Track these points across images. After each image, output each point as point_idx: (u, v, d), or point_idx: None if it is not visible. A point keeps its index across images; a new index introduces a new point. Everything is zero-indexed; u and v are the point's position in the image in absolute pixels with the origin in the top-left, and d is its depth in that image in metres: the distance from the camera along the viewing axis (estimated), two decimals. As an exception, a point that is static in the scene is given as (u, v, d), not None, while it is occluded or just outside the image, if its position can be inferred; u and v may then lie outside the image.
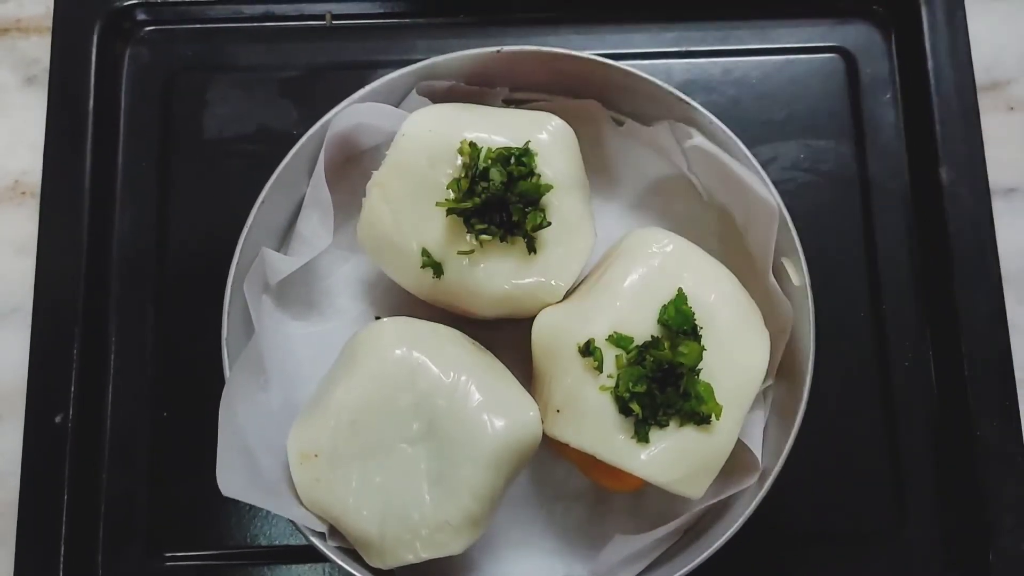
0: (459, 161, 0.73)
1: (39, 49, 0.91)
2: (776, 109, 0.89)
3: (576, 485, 0.78)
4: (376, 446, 0.68)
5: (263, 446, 0.71)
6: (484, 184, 0.71)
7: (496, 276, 0.73)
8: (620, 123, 0.84)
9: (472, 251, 0.72)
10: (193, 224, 0.86)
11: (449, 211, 0.72)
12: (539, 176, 0.72)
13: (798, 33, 0.91)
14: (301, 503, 0.69)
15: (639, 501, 0.77)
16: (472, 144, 0.72)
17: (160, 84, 0.90)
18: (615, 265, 0.72)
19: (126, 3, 0.90)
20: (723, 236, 0.81)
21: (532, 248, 0.72)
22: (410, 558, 0.68)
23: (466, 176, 0.72)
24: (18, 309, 0.85)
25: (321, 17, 0.91)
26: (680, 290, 0.70)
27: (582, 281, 0.76)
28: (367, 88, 0.78)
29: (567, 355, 0.70)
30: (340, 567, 0.70)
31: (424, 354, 0.69)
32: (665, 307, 0.70)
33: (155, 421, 0.82)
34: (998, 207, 0.86)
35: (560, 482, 0.78)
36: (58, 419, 0.81)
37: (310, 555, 0.79)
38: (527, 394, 0.71)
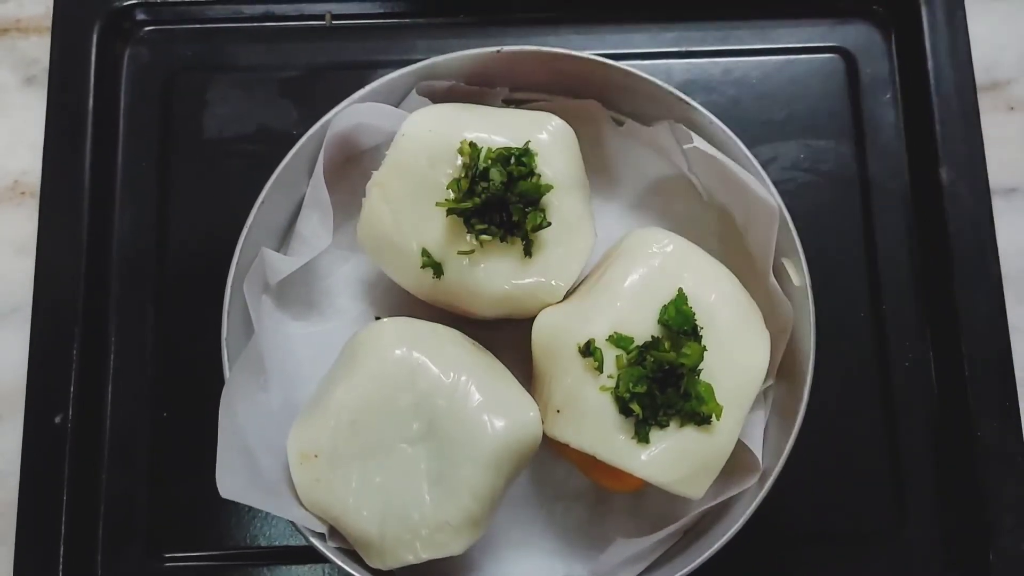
0: (459, 161, 0.73)
1: (39, 49, 0.91)
2: (776, 109, 0.89)
3: (576, 485, 0.78)
4: (376, 446, 0.68)
5: (263, 446, 0.71)
6: (484, 184, 0.71)
7: (496, 276, 0.72)
8: (620, 123, 0.84)
9: (472, 251, 0.72)
10: (193, 224, 0.86)
11: (449, 211, 0.72)
12: (539, 176, 0.72)
13: (798, 33, 0.91)
14: (301, 503, 0.69)
15: (639, 501, 0.77)
16: (472, 144, 0.72)
17: (160, 84, 0.90)
18: (615, 265, 0.72)
19: (126, 3, 0.90)
20: (723, 236, 0.81)
21: (530, 249, 0.72)
22: (410, 558, 0.67)
23: (466, 176, 0.72)
24: (18, 309, 0.85)
25: (321, 17, 0.91)
26: (680, 290, 0.70)
27: (582, 281, 0.76)
28: (367, 88, 0.78)
29: (567, 355, 0.70)
30: (340, 568, 0.70)
31: (424, 354, 0.69)
32: (665, 307, 0.70)
33: (155, 421, 0.82)
34: (998, 207, 0.86)
35: (560, 482, 0.78)
36: (58, 419, 0.81)
37: (310, 556, 0.79)
38: (527, 394, 0.71)
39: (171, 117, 0.89)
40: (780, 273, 0.76)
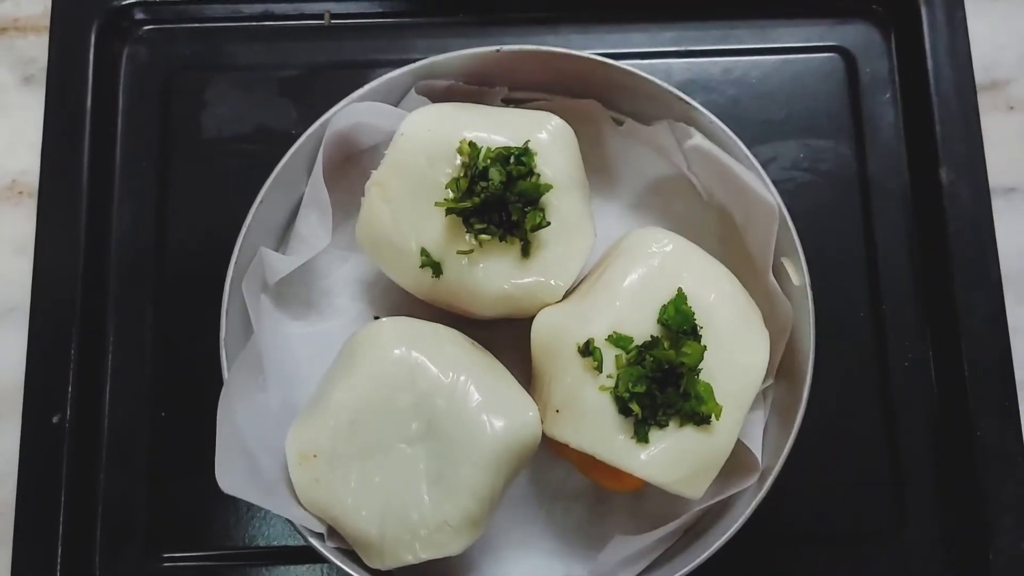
0: (458, 160, 0.72)
1: (37, 48, 0.91)
2: (776, 109, 0.89)
3: (575, 485, 0.78)
4: (375, 446, 0.68)
5: (262, 446, 0.71)
6: (483, 184, 0.71)
7: (495, 276, 0.72)
8: (620, 123, 0.84)
9: (471, 251, 0.72)
10: (192, 224, 0.86)
11: (448, 211, 0.71)
12: (538, 176, 0.72)
13: (798, 33, 0.91)
14: (300, 503, 0.69)
15: (639, 501, 0.77)
16: (471, 143, 0.72)
17: (158, 83, 0.89)
18: (615, 265, 0.72)
19: (124, 2, 0.90)
20: (723, 236, 0.81)
21: (529, 249, 0.72)
22: (409, 559, 0.67)
23: (465, 175, 0.71)
24: (16, 309, 0.85)
25: (320, 16, 0.91)
26: (680, 290, 0.70)
27: (581, 281, 0.76)
28: (366, 87, 0.78)
29: (566, 355, 0.70)
30: (339, 568, 0.70)
31: (423, 354, 0.69)
32: (665, 307, 0.69)
33: (153, 421, 0.82)
34: (998, 207, 0.86)
35: (559, 482, 0.78)
36: (56, 419, 0.81)
37: (308, 556, 0.79)
38: (526, 394, 0.71)
39: (170, 116, 0.89)
40: (780, 273, 0.76)
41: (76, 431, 0.81)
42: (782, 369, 0.76)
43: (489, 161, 0.71)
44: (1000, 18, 0.92)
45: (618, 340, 0.69)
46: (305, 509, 0.69)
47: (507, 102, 0.83)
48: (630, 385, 0.67)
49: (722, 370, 0.69)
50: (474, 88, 0.81)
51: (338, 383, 0.69)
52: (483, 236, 0.71)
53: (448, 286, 0.73)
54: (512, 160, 0.71)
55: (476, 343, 0.74)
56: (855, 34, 0.91)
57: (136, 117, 0.89)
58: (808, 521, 0.81)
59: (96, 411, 0.82)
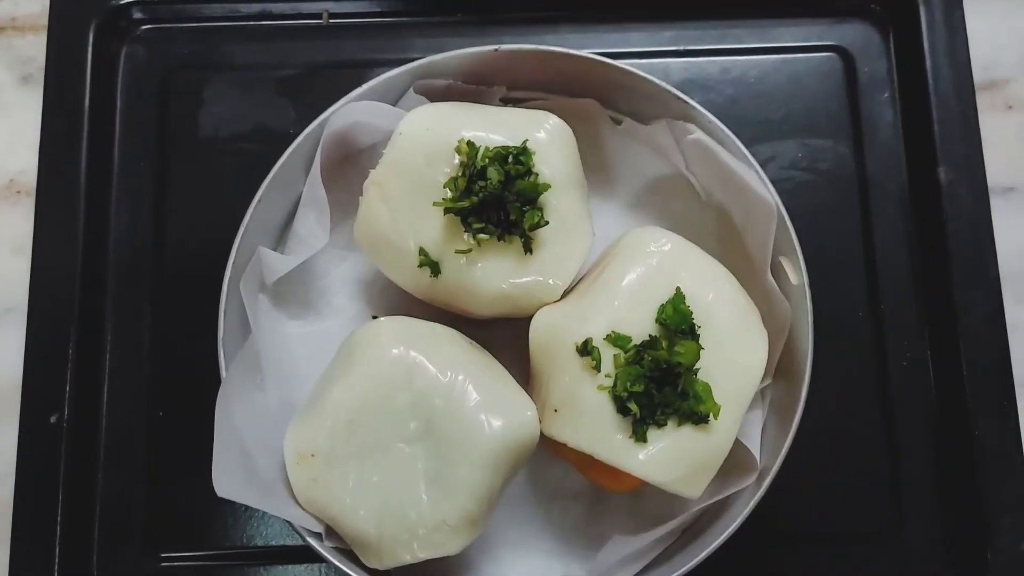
0: (456, 160, 0.72)
1: (35, 48, 0.91)
2: (774, 108, 0.89)
3: (574, 485, 0.78)
4: (373, 445, 0.67)
5: (259, 446, 0.71)
6: (481, 183, 0.71)
7: (494, 275, 0.72)
8: (618, 122, 0.83)
9: (469, 250, 0.72)
10: (189, 223, 0.86)
11: (446, 210, 0.71)
12: (537, 175, 0.72)
13: (796, 32, 0.91)
14: (298, 503, 0.69)
15: (637, 501, 0.77)
16: (470, 143, 0.72)
17: (156, 83, 0.89)
18: (613, 264, 0.72)
19: (122, 1, 0.90)
20: (721, 235, 0.81)
21: (528, 248, 0.72)
22: (407, 558, 0.67)
23: (463, 175, 0.71)
24: (14, 308, 0.85)
25: (318, 16, 0.91)
26: (678, 289, 0.70)
27: (580, 280, 0.76)
28: (364, 87, 0.78)
29: (565, 354, 0.70)
30: (337, 568, 0.70)
31: (421, 353, 0.69)
32: (663, 306, 0.69)
33: (151, 421, 0.82)
34: (996, 206, 0.86)
35: (558, 482, 0.78)
36: (54, 419, 0.81)
37: (307, 555, 0.79)
38: (524, 394, 0.71)
39: (168, 116, 0.88)
40: (778, 272, 0.76)
41: (74, 431, 0.81)
42: (780, 368, 0.76)
43: (487, 160, 0.71)
44: (999, 17, 0.92)
45: (616, 339, 0.69)
46: (303, 509, 0.69)
47: (505, 101, 0.83)
48: (628, 384, 0.67)
49: (720, 369, 0.69)
50: (472, 87, 0.81)
51: (336, 382, 0.69)
52: (481, 235, 0.71)
53: (446, 285, 0.73)
54: (510, 159, 0.71)
55: (474, 342, 0.74)
56: (853, 34, 0.91)
57: (134, 116, 0.88)
58: (806, 521, 0.81)
59: (94, 411, 0.82)
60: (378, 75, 0.78)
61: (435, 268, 0.73)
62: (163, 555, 0.80)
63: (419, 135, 0.73)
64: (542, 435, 0.70)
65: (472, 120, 0.74)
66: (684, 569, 0.70)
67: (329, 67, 0.89)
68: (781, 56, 0.90)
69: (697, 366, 0.69)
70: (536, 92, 0.83)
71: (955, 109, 0.87)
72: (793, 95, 0.89)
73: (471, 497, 0.67)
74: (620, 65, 0.78)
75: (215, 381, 0.72)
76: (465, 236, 0.72)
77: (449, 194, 0.72)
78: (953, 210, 0.85)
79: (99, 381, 0.83)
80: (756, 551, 0.80)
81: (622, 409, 0.68)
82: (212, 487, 0.67)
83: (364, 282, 0.82)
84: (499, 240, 0.72)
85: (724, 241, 0.81)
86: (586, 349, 0.69)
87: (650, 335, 0.69)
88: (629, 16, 0.91)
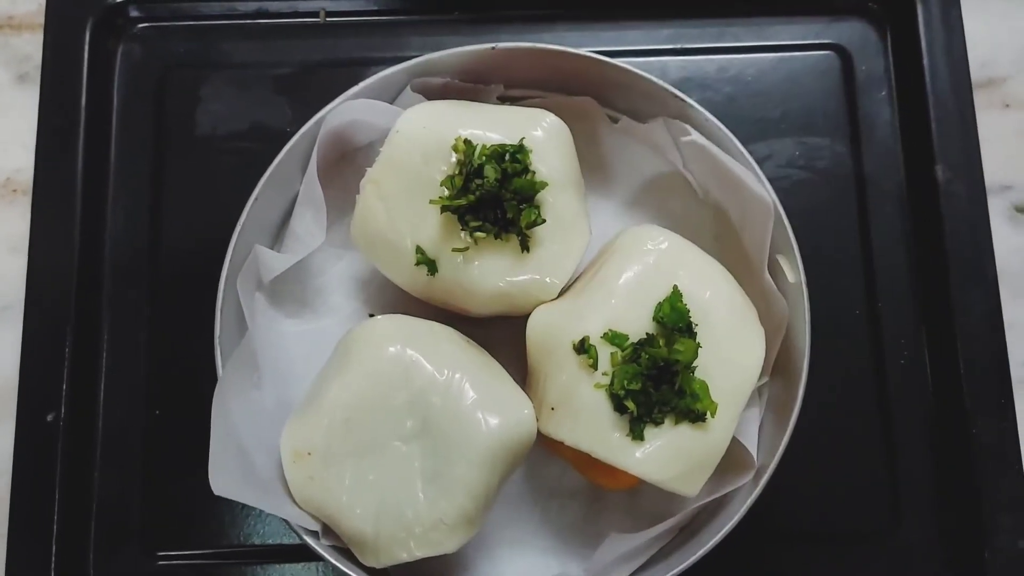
0: (453, 158, 0.72)
1: (31, 46, 0.91)
2: (771, 106, 0.89)
3: (571, 483, 0.78)
4: (370, 444, 0.67)
5: (256, 444, 0.71)
6: (478, 181, 0.71)
7: (491, 273, 0.72)
8: (615, 120, 0.83)
9: (467, 248, 0.72)
10: (186, 222, 0.86)
11: (443, 208, 0.71)
12: (534, 173, 0.72)
13: (793, 30, 0.91)
14: (294, 502, 0.69)
15: (634, 499, 0.77)
16: (467, 141, 0.72)
17: (153, 81, 0.89)
18: (610, 262, 0.72)
19: (118, 0, 0.90)
20: (718, 233, 0.81)
21: (525, 246, 0.72)
22: (404, 556, 0.67)
23: (460, 173, 0.71)
24: (10, 307, 0.85)
25: (315, 14, 0.91)
26: (675, 287, 0.70)
27: (577, 278, 0.76)
28: (361, 85, 0.78)
29: (562, 353, 0.70)
30: (334, 566, 0.70)
31: (418, 352, 0.69)
32: (660, 304, 0.69)
33: (148, 419, 0.82)
34: (994, 204, 0.86)
35: (555, 480, 0.78)
36: (50, 418, 0.80)
37: (304, 554, 0.79)
38: (522, 392, 0.71)
39: (164, 114, 0.88)
40: (775, 270, 0.76)
41: (70, 429, 0.81)
42: (778, 367, 0.76)
43: (484, 158, 0.71)
44: (996, 16, 0.92)
45: (613, 338, 0.69)
46: (300, 507, 0.69)
47: (503, 100, 0.83)
48: (625, 383, 0.67)
49: (717, 368, 0.69)
50: (469, 86, 0.81)
51: (333, 381, 0.69)
52: (478, 234, 0.71)
53: (443, 284, 0.73)
54: (507, 158, 0.71)
55: (471, 341, 0.74)
56: (851, 32, 0.91)
57: (131, 115, 0.88)
58: (804, 519, 0.81)
59: (90, 409, 0.82)
60: (375, 73, 0.78)
61: (432, 266, 0.73)
62: (160, 554, 0.80)
63: (416, 133, 0.73)
64: (539, 433, 0.70)
65: (469, 118, 0.74)
66: (681, 567, 0.70)
67: (326, 65, 0.89)
68: (778, 54, 0.90)
69: (694, 364, 0.68)
70: (533, 90, 0.83)
71: (952, 108, 0.87)
72: (790, 93, 0.89)
73: (468, 495, 0.66)
74: (617, 63, 0.78)
75: (212, 380, 0.72)
76: (462, 234, 0.72)
77: (446, 192, 0.72)
78: (950, 208, 0.85)
79: (95, 380, 0.83)
80: (753, 549, 0.80)
81: (619, 407, 0.68)
82: (209, 486, 0.67)
83: (361, 280, 0.82)
84: (496, 238, 0.72)
85: (721, 239, 0.81)
86: (583, 347, 0.69)
87: (647, 333, 0.69)
88: (626, 14, 0.91)
